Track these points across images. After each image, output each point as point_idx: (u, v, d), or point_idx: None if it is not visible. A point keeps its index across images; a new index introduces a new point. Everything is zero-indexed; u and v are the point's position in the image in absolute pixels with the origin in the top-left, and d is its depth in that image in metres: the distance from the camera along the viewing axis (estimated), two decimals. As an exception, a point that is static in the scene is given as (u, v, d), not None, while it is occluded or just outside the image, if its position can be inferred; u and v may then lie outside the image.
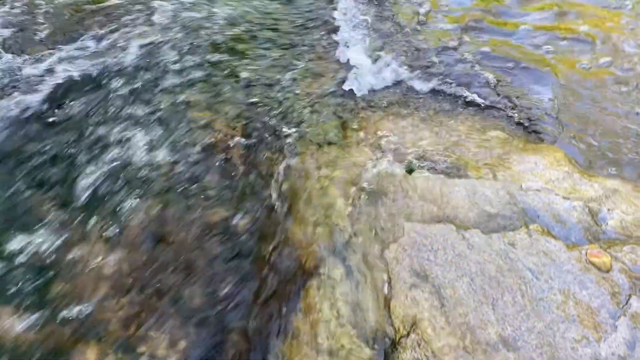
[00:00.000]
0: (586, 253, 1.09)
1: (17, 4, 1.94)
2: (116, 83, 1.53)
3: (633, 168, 1.32)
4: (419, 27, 1.87)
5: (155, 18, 1.83)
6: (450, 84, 1.63)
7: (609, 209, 1.17)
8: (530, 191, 1.24)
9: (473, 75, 1.67)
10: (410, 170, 1.35)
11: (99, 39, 1.70)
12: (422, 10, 1.97)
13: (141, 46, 1.66)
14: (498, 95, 1.60)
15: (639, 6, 1.95)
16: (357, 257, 1.12)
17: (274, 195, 1.33)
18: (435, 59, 1.72)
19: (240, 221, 1.21)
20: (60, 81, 1.55)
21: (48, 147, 1.37)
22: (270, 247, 1.15)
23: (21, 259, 1.09)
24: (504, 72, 1.68)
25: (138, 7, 1.91)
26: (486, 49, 1.78)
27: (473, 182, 1.32)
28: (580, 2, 1.97)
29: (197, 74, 1.58)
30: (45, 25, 1.82)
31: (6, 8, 1.92)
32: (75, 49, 1.67)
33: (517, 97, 1.58)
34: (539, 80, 1.64)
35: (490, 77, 1.65)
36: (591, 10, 1.96)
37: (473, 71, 1.68)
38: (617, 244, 1.11)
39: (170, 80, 1.54)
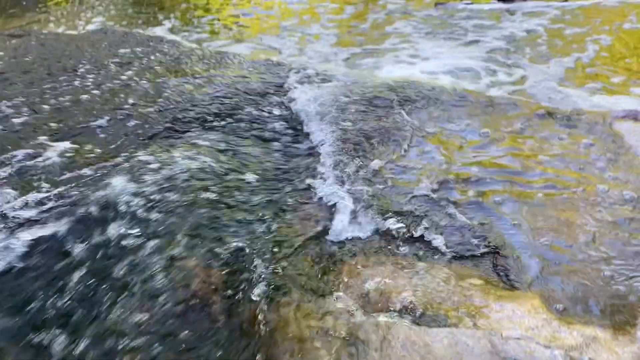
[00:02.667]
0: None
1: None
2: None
3: (610, 313, 1.33)
4: (397, 174, 1.98)
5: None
6: (429, 230, 1.69)
7: (590, 359, 1.16)
8: (511, 340, 1.23)
9: (451, 221, 1.73)
10: (390, 318, 1.35)
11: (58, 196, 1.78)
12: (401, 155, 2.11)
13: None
14: (475, 241, 1.65)
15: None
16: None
17: (253, 348, 1.30)
18: (413, 205, 1.80)
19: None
20: None
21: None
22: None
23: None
24: (482, 217, 1.75)
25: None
26: (465, 195, 1.87)
27: (454, 332, 1.31)
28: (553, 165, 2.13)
29: (172, 218, 1.63)
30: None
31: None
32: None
33: (494, 244, 1.63)
34: (513, 226, 1.71)
35: (468, 223, 1.72)
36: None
37: (451, 217, 1.75)
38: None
39: (149, 230, 1.58)
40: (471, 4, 5.68)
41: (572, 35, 4.43)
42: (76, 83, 2.88)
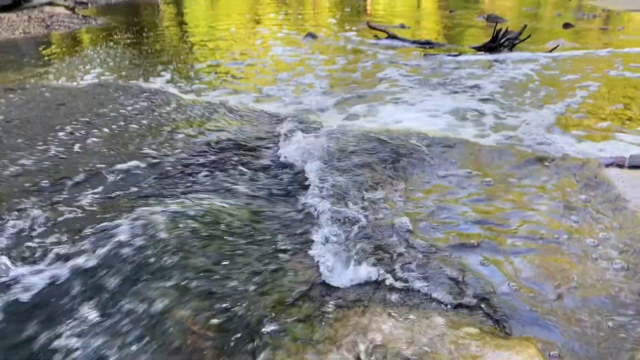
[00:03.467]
0: None
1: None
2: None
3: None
4: (388, 223, 2.01)
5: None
6: (423, 280, 1.70)
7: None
8: (508, 390, 1.22)
9: (442, 270, 1.75)
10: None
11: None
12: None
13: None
14: (467, 289, 1.65)
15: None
16: None
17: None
18: (405, 254, 1.81)
19: None
20: None
21: None
22: None
23: None
24: (472, 265, 1.76)
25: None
26: (455, 243, 1.89)
27: (451, 383, 1.31)
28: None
29: (166, 271, 1.63)
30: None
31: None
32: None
33: (488, 292, 1.64)
34: (504, 275, 1.72)
35: (459, 271, 1.73)
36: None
37: (442, 266, 1.77)
38: None
39: (139, 282, 1.59)
40: (459, 55, 5.87)
41: (559, 82, 4.57)
42: (69, 137, 2.92)
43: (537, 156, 2.68)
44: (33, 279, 1.61)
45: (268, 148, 2.81)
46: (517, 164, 2.57)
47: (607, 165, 2.55)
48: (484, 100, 4.05)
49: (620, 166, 2.54)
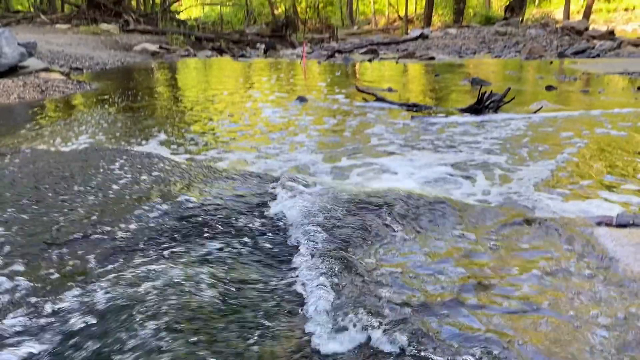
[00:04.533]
0: None
1: None
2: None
3: None
4: (379, 286, 1.98)
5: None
6: (415, 342, 1.66)
7: None
8: None
9: (438, 334, 1.71)
10: None
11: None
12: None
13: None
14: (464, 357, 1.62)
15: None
16: None
17: None
18: (398, 317, 1.78)
19: None
20: None
21: None
22: None
23: None
24: (463, 330, 1.73)
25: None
26: (445, 307, 1.86)
27: None
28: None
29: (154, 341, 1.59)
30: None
31: None
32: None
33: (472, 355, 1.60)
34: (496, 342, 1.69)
35: (452, 336, 1.69)
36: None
37: (437, 329, 1.73)
38: None
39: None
40: (445, 116, 6.02)
41: (544, 142, 4.68)
42: (60, 202, 2.92)
43: (525, 215, 2.70)
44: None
45: (258, 209, 2.81)
46: (504, 224, 2.58)
47: (596, 225, 2.57)
48: (471, 160, 4.12)
49: (609, 225, 2.56)
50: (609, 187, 3.39)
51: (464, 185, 3.53)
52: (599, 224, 2.57)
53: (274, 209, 2.81)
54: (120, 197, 2.99)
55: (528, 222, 2.60)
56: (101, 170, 3.52)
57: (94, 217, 2.66)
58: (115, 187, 3.16)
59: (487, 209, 2.86)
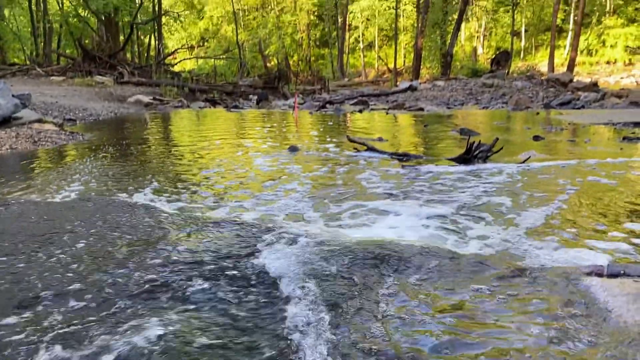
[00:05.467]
0: None
1: None
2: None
3: None
4: (368, 342, 1.94)
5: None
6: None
7: None
8: None
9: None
10: None
11: None
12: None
13: None
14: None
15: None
16: None
17: None
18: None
19: None
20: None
21: None
22: None
23: None
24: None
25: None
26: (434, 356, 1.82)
27: None
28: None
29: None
30: None
31: None
32: None
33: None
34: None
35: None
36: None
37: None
38: None
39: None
40: (436, 166, 6.09)
41: (533, 191, 4.72)
42: (48, 254, 2.87)
43: (515, 266, 2.68)
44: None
45: (246, 259, 2.79)
46: (495, 276, 2.56)
47: (587, 274, 2.56)
48: (461, 208, 4.13)
49: (600, 275, 2.55)
50: (599, 235, 3.40)
51: (454, 234, 3.53)
52: (590, 274, 2.56)
53: (263, 259, 2.79)
54: (104, 250, 2.96)
55: (518, 272, 2.58)
56: (88, 222, 3.49)
57: (71, 274, 2.61)
58: (100, 239, 3.12)
59: (478, 259, 2.84)
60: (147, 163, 6.58)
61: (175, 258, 2.79)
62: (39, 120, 9.89)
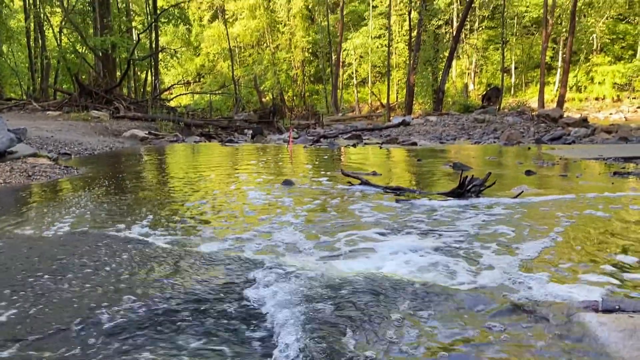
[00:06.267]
0: None
1: None
2: None
3: None
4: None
5: None
6: None
7: None
8: None
9: None
10: None
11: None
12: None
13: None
14: None
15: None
16: None
17: None
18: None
19: None
20: None
21: None
22: None
23: None
24: None
25: None
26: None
27: None
28: None
29: None
30: None
31: None
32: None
33: None
34: None
35: None
36: None
37: None
38: None
39: None
40: (429, 200, 6.11)
41: (527, 225, 4.73)
42: (36, 290, 2.84)
43: (512, 303, 2.67)
44: None
45: (239, 295, 2.76)
46: (491, 313, 2.55)
47: (583, 309, 2.55)
48: (456, 243, 4.13)
49: (595, 310, 2.54)
50: (595, 270, 3.40)
51: (448, 268, 3.52)
52: (585, 308, 2.55)
53: (256, 294, 2.76)
54: (93, 287, 2.92)
55: (514, 308, 2.57)
56: (79, 257, 3.46)
57: (63, 306, 2.58)
58: (90, 276, 3.09)
59: (471, 295, 2.83)
60: (141, 197, 6.57)
61: (168, 293, 2.76)
62: (34, 155, 9.91)
